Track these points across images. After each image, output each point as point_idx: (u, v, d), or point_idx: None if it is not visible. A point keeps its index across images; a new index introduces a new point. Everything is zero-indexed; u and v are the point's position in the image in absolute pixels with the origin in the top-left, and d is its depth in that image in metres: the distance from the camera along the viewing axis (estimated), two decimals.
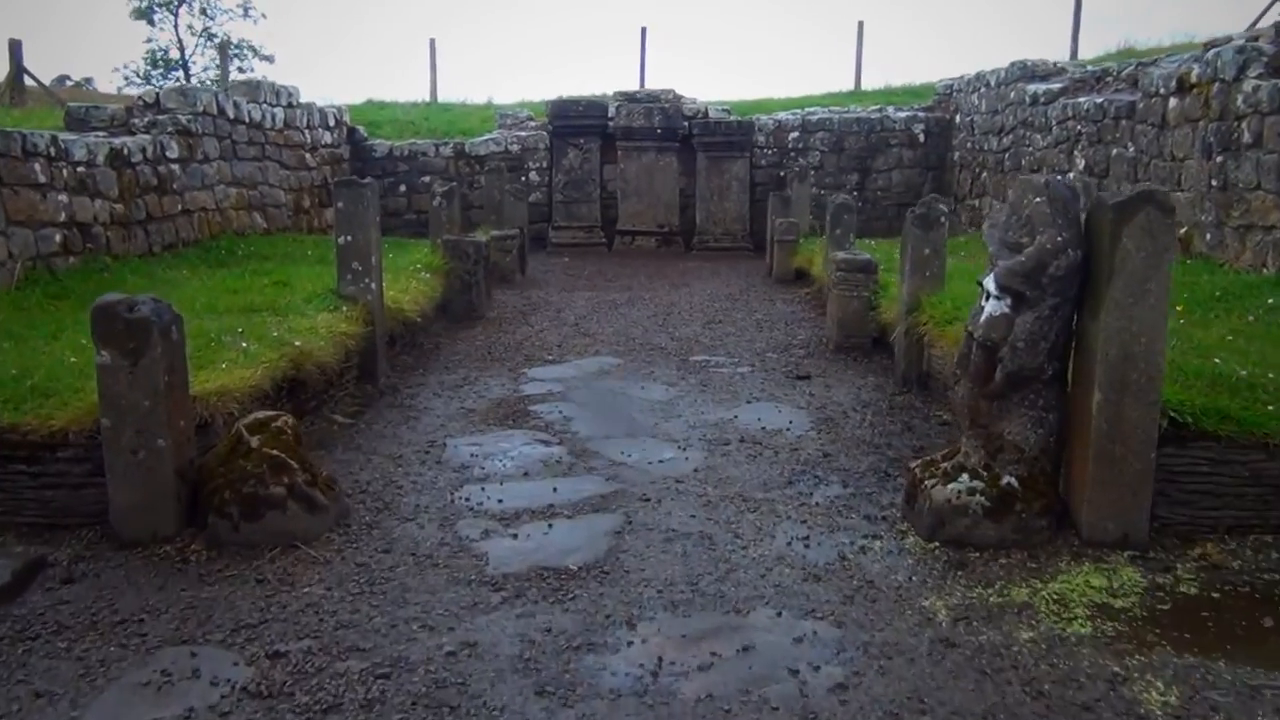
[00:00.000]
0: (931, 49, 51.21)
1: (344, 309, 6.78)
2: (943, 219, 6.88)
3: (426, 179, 16.29)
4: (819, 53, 49.77)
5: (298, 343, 5.74)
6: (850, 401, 6.74)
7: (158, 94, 10.63)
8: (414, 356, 8.06)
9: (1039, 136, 12.02)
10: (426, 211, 15.95)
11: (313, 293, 7.09)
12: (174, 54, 34.22)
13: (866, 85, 21.23)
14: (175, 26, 34.14)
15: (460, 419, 6.25)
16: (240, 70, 36.82)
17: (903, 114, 16.34)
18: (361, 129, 16.38)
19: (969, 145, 14.99)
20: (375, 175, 16.06)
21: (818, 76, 55.15)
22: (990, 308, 4.13)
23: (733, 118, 16.12)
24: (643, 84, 19.83)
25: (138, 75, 32.34)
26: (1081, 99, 10.79)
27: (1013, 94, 12.92)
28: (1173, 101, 8.68)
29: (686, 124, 15.65)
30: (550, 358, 8.05)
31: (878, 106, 16.89)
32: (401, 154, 16.32)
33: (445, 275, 9.48)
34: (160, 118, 10.21)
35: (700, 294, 11.52)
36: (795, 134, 16.28)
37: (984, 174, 14.25)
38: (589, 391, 6.97)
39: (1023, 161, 12.58)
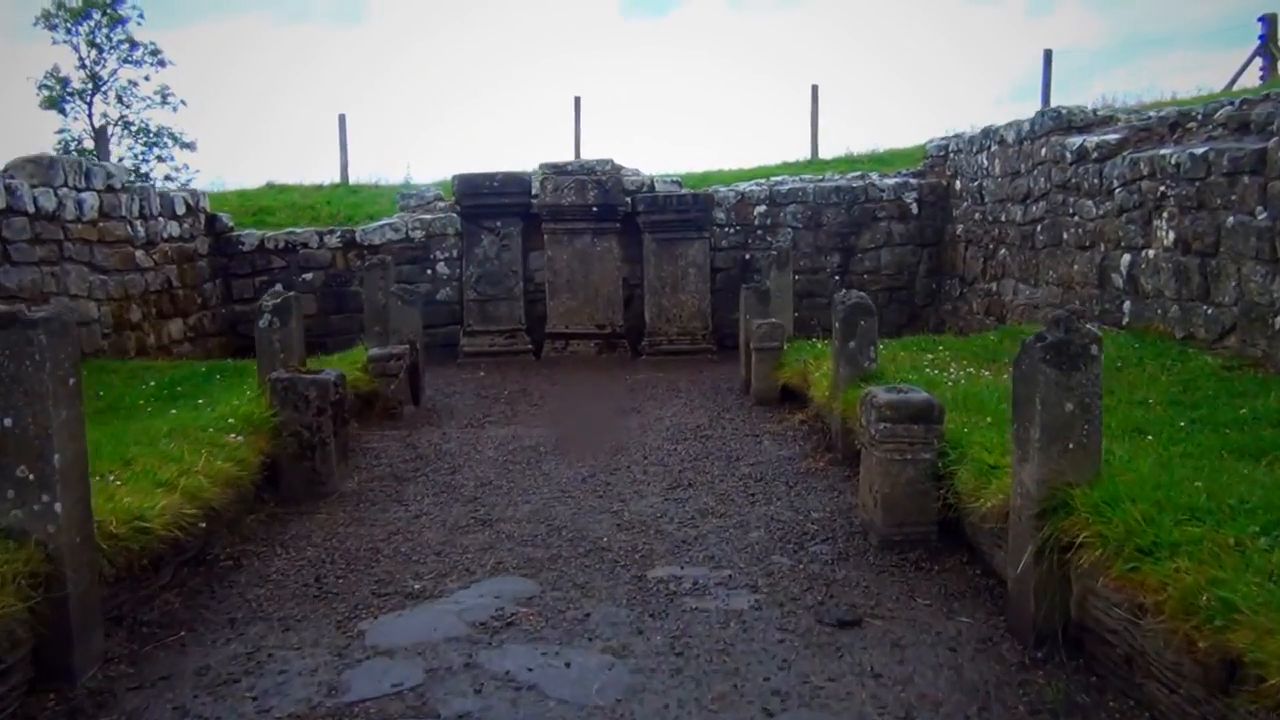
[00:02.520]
0: (883, 114, 49.25)
1: None
2: (1094, 348, 3.85)
3: (308, 276, 13.12)
4: (765, 121, 47.50)
5: None
6: (952, 694, 3.61)
7: None
8: (185, 593, 4.78)
9: (1089, 202, 9.20)
10: (310, 316, 12.85)
11: None
12: (88, 143, 32.45)
13: (825, 153, 18.68)
14: (89, 115, 32.35)
15: None
16: (160, 159, 34.58)
17: (890, 180, 13.56)
18: (225, 216, 13.20)
19: (976, 216, 12.21)
20: (243, 273, 12.95)
21: (768, 146, 52.79)
22: None
23: (685, 191, 13.22)
24: (578, 157, 16.95)
25: None
26: (1165, 150, 7.98)
27: (1044, 150, 10.14)
28: None
29: (629, 200, 12.71)
30: (417, 587, 4.82)
31: (859, 174, 14.11)
32: (276, 246, 13.14)
33: (274, 433, 6.27)
34: None
35: (657, 427, 8.40)
36: (762, 208, 13.41)
37: (1002, 251, 11.43)
38: (468, 686, 3.76)
39: (1064, 235, 9.75)
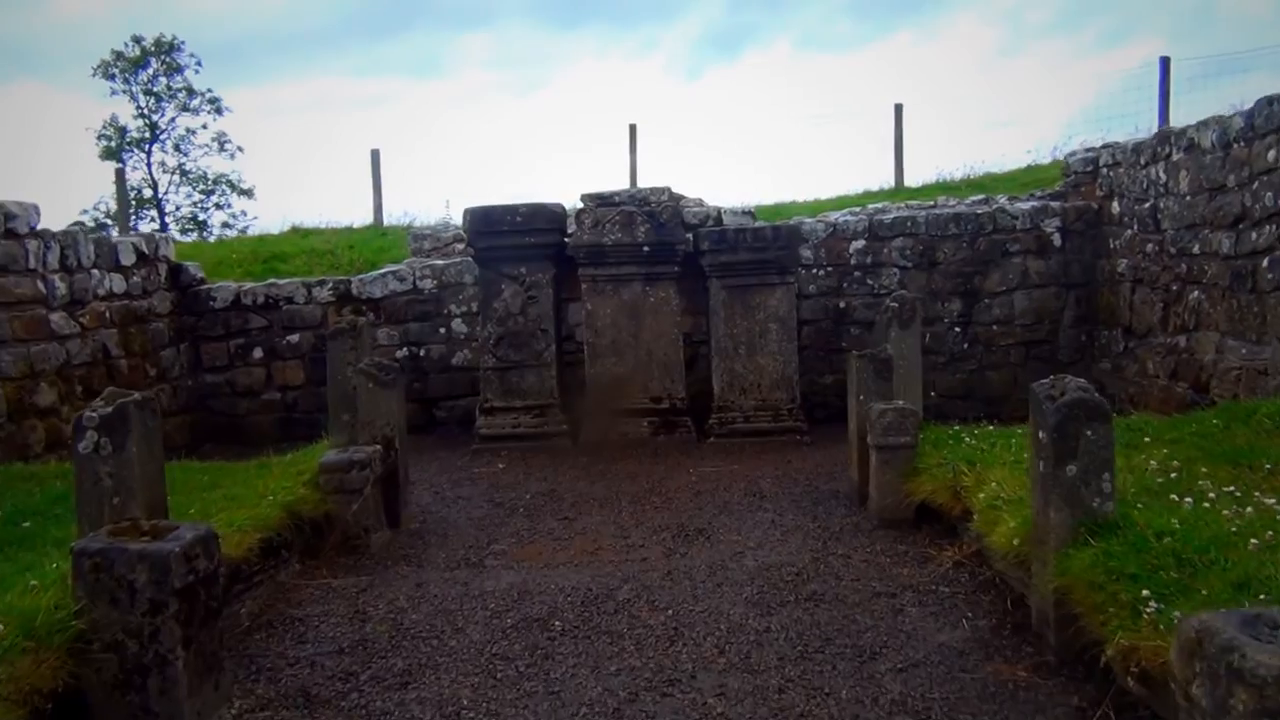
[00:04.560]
0: (949, 145, 45.69)
1: None
2: None
3: (293, 338, 10.60)
4: (838, 151, 44.28)
5: None
6: None
7: None
8: None
9: None
10: (297, 388, 10.37)
11: None
12: (147, 192, 31.98)
13: (911, 180, 15.84)
14: (148, 165, 31.98)
15: None
16: (218, 206, 33.70)
17: (1024, 205, 10.63)
18: (193, 267, 10.74)
19: (1149, 248, 9.26)
20: (215, 336, 10.48)
21: (844, 175, 49.37)
22: None
23: (762, 224, 10.47)
24: (634, 186, 14.27)
25: (108, 217, 28.92)
26: None
27: (1273, 153, 7.21)
28: None
29: (690, 237, 9.96)
30: None
31: (981, 197, 11.26)
32: (254, 302, 10.63)
33: (80, 645, 3.61)
34: None
35: (736, 573, 5.59)
36: (860, 243, 10.58)
37: (1195, 293, 8.46)
38: None
39: None
